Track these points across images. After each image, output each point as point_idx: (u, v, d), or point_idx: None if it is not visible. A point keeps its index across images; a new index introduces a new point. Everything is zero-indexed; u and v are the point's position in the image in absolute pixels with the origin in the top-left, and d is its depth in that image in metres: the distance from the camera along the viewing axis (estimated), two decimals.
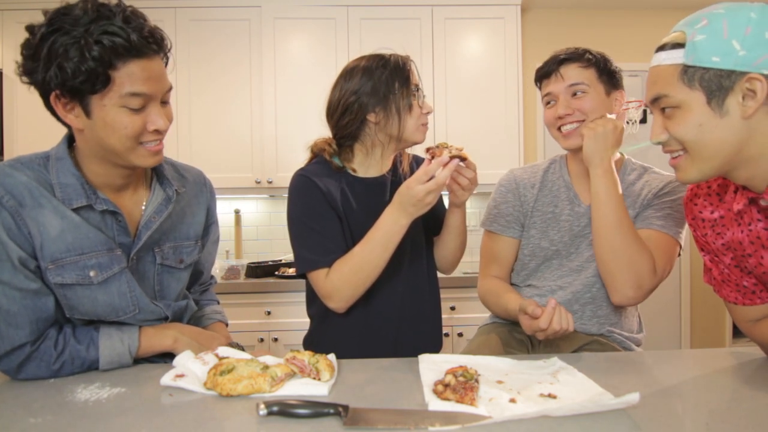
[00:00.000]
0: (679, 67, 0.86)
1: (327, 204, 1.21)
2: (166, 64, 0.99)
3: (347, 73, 1.25)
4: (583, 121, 1.29)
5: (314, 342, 1.31)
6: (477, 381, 0.82)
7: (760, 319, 1.03)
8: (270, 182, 2.87)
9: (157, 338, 1.05)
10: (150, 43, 0.92)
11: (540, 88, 1.40)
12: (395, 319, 1.26)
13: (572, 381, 0.88)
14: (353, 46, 2.86)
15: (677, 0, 3.26)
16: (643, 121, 3.34)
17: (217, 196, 1.28)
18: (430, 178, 1.07)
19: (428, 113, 1.24)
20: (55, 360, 0.96)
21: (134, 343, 1.02)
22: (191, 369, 0.93)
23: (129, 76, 0.90)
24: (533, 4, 3.29)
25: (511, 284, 1.46)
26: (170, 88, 0.99)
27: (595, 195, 1.23)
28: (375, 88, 1.20)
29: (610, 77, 1.32)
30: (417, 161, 1.39)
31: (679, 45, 0.87)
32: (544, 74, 1.35)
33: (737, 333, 3.59)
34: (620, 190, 1.23)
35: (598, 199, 1.22)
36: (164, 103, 0.99)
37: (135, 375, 0.97)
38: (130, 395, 0.86)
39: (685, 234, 1.28)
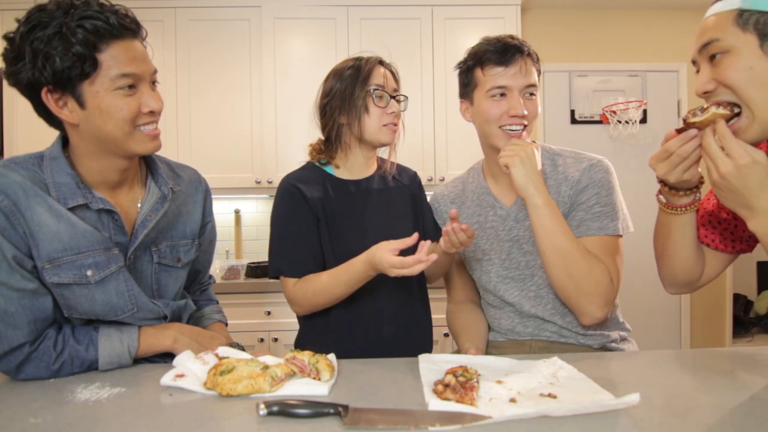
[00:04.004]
0: (734, 11, 0.85)
1: (309, 212, 1.22)
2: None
3: (327, 76, 1.29)
4: (526, 125, 1.20)
5: (300, 343, 1.31)
6: (477, 381, 0.82)
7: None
8: (270, 182, 2.87)
9: (156, 338, 1.06)
10: (128, 25, 0.94)
11: (482, 72, 1.21)
12: (376, 321, 1.25)
13: (572, 381, 0.88)
14: (353, 46, 2.86)
15: (677, 0, 3.26)
16: (643, 121, 3.34)
17: (217, 196, 1.28)
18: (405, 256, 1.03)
19: (393, 113, 1.23)
20: (54, 360, 0.96)
21: (134, 343, 1.02)
22: (191, 369, 0.92)
23: (114, 58, 0.92)
24: (533, 4, 3.29)
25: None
26: (156, 71, 1.01)
27: (541, 227, 1.14)
28: (340, 91, 1.23)
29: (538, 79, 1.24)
30: (399, 169, 1.38)
31: None
32: (500, 60, 1.18)
33: (737, 333, 3.58)
34: (558, 210, 1.15)
35: (545, 230, 1.13)
36: (153, 85, 1.00)
37: (135, 375, 0.97)
38: (130, 395, 0.86)
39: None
